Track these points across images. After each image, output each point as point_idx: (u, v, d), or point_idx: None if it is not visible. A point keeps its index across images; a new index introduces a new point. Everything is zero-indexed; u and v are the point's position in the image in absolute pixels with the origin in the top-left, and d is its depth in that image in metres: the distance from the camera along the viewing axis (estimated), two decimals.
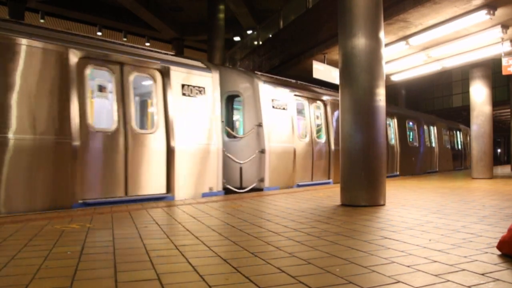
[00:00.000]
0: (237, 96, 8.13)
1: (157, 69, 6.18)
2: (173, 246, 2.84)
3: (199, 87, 6.68)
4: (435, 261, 2.38)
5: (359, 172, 5.13)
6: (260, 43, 16.84)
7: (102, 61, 5.55)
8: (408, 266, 2.28)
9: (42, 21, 19.36)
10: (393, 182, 9.37)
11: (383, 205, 5.13)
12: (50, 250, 2.72)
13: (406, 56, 10.22)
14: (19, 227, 3.60)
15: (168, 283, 2.01)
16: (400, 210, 4.64)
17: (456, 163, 18.44)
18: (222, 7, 17.98)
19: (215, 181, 6.81)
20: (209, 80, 6.86)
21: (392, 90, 21.63)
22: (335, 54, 10.03)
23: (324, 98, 9.55)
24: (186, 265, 2.35)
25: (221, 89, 7.13)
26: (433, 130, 15.89)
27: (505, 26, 7.87)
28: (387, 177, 9.80)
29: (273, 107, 7.96)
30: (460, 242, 2.89)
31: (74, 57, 5.15)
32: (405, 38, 8.84)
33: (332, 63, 10.40)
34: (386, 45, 8.72)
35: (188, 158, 6.37)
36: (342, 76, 5.42)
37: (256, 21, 19.55)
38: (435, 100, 24.83)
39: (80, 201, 5.11)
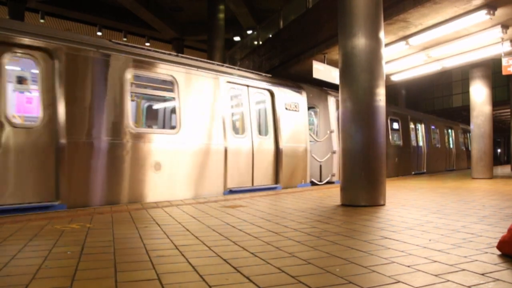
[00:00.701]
0: (313, 107, 10.10)
1: (268, 90, 8.19)
2: (173, 246, 2.84)
3: (295, 102, 8.70)
4: (435, 261, 2.38)
5: (359, 172, 5.13)
6: (260, 43, 16.83)
7: (239, 84, 7.65)
8: (408, 266, 2.28)
9: (42, 21, 19.36)
10: (393, 182, 9.37)
11: (383, 205, 5.13)
12: (50, 250, 2.72)
13: (406, 56, 10.21)
14: (19, 227, 3.60)
15: (168, 283, 2.01)
16: (400, 210, 4.64)
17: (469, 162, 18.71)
18: (222, 7, 17.98)
19: (305, 174, 8.78)
20: (301, 98, 8.98)
21: (392, 90, 21.64)
22: (335, 54, 10.02)
23: None
24: (186, 265, 2.35)
25: None
26: (452, 133, 17.94)
27: (505, 26, 7.86)
28: (415, 174, 12.67)
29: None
30: (460, 242, 2.89)
31: (224, 82, 7.27)
32: (405, 38, 8.84)
33: (332, 63, 10.40)
34: (386, 45, 8.71)
35: (290, 157, 8.33)
36: (342, 76, 5.42)
37: (256, 21, 19.55)
38: (435, 100, 24.83)
39: (228, 189, 6.98)
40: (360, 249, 2.74)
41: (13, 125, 4.73)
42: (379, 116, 5.21)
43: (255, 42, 18.05)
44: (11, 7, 16.91)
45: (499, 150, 42.29)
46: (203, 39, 20.79)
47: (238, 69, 7.94)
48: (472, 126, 11.71)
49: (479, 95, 11.50)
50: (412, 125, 13.93)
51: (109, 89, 5.55)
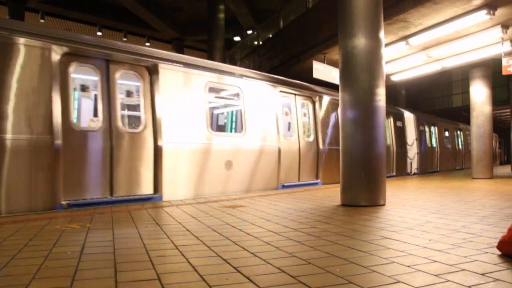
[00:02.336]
0: (401, 122, 13.13)
1: (310, 98, 9.08)
2: (173, 246, 2.84)
3: (401, 121, 12.77)
4: (435, 261, 2.38)
5: (359, 172, 5.13)
6: (260, 43, 16.84)
7: (289, 93, 8.51)
8: (408, 266, 2.28)
9: (42, 21, 19.36)
10: (394, 182, 9.37)
11: (383, 205, 5.13)
12: (50, 250, 2.72)
13: (406, 56, 10.22)
14: (19, 227, 3.60)
15: (168, 283, 2.01)
16: (400, 210, 4.64)
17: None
18: (222, 7, 17.98)
19: (408, 167, 12.91)
20: (407, 117, 13.17)
21: (392, 90, 21.62)
22: (335, 54, 10.03)
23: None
24: (186, 265, 2.35)
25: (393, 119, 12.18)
26: (461, 134, 19.37)
27: (505, 26, 7.87)
28: (430, 172, 15.01)
29: (419, 128, 13.99)
30: (460, 242, 2.89)
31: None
32: (405, 38, 8.84)
33: (332, 63, 10.40)
34: (386, 45, 8.72)
35: (401, 156, 12.44)
36: (342, 76, 5.42)
37: (256, 21, 19.55)
38: (435, 100, 24.83)
39: (281, 184, 7.86)
40: (360, 249, 2.74)
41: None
42: (379, 116, 5.21)
43: (255, 42, 18.05)
44: (11, 7, 16.91)
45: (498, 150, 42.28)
46: (203, 39, 20.79)
47: (287, 80, 8.78)
48: (472, 126, 11.72)
49: (479, 95, 11.50)
50: (426, 128, 15.32)
51: (193, 100, 6.51)
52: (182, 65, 6.35)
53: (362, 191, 5.13)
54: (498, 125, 26.91)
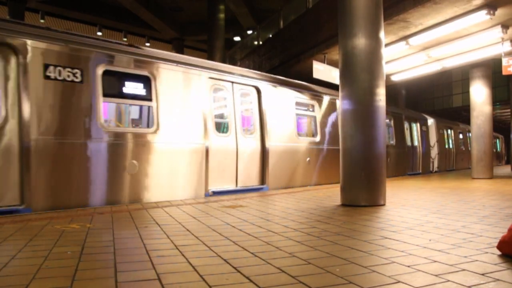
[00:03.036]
0: (426, 126, 15.35)
1: (416, 119, 13.22)
2: (173, 246, 2.84)
3: (426, 126, 15.02)
4: (435, 261, 2.38)
5: (359, 172, 5.13)
6: (260, 43, 16.83)
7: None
8: (408, 266, 2.28)
9: (42, 21, 19.36)
10: (393, 182, 9.37)
11: (383, 205, 5.13)
12: (50, 250, 2.72)
13: (406, 56, 10.22)
14: (19, 227, 3.60)
15: (168, 283, 2.01)
16: (400, 210, 4.64)
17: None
18: (222, 7, 17.98)
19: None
20: (430, 122, 15.42)
21: (392, 90, 21.59)
22: (335, 54, 10.02)
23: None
24: (186, 265, 2.35)
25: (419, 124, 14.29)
26: (468, 135, 21.32)
27: (505, 26, 7.87)
28: (447, 170, 16.60)
29: (439, 132, 15.83)
30: (460, 242, 2.89)
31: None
32: (405, 38, 8.84)
33: (332, 63, 10.40)
34: (386, 45, 8.71)
35: (426, 156, 14.59)
36: (342, 76, 5.42)
37: (256, 21, 19.55)
38: (435, 100, 24.82)
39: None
40: (360, 249, 2.74)
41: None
42: (379, 116, 5.20)
43: (255, 42, 18.05)
44: (11, 7, 16.91)
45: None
46: (203, 39, 20.80)
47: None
48: (472, 126, 11.72)
49: (479, 95, 11.50)
50: (444, 131, 17.16)
51: (285, 111, 8.18)
52: (277, 84, 8.15)
53: (362, 191, 5.13)
54: (498, 125, 26.93)
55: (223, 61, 16.82)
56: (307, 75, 10.07)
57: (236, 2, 18.86)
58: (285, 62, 12.93)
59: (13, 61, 4.67)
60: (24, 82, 4.65)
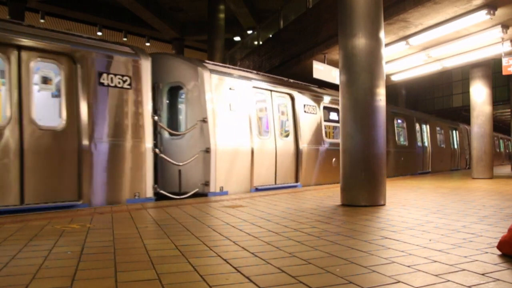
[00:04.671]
0: (455, 129, 18.23)
1: (426, 121, 14.55)
2: (173, 246, 2.84)
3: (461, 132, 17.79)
4: (435, 261, 2.38)
5: (359, 172, 5.12)
6: (260, 43, 16.83)
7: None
8: (408, 266, 2.28)
9: (42, 21, 19.36)
10: (393, 182, 9.37)
11: (383, 205, 5.12)
12: (50, 250, 2.72)
13: (406, 56, 10.21)
14: (19, 227, 3.60)
15: (168, 283, 2.01)
16: (400, 210, 4.64)
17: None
18: (222, 7, 17.97)
19: (465, 164, 17.18)
20: (461, 127, 17.74)
21: (392, 90, 21.62)
22: (335, 54, 10.02)
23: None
24: (186, 265, 2.35)
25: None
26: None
27: (505, 26, 7.86)
28: (453, 169, 17.37)
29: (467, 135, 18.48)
30: (460, 242, 2.89)
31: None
32: (405, 38, 8.83)
33: (332, 63, 10.40)
34: (386, 45, 8.71)
35: (463, 156, 17.72)
36: (342, 76, 5.42)
37: (256, 21, 19.54)
38: (435, 100, 24.83)
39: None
40: (360, 249, 2.74)
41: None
42: (379, 116, 5.20)
43: (255, 42, 18.04)
44: (11, 7, 16.91)
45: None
46: (203, 39, 20.79)
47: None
48: (472, 126, 11.71)
49: (479, 95, 11.49)
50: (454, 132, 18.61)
51: (314, 117, 9.13)
52: (307, 92, 9.10)
53: (362, 191, 5.12)
54: (498, 125, 26.97)
55: (223, 61, 16.82)
56: (307, 75, 10.07)
57: (236, 2, 18.85)
58: (285, 62, 12.93)
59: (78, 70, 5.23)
60: (83, 88, 5.23)
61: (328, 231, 3.38)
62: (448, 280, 2.01)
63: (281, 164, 8.05)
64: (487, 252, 2.59)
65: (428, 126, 15.12)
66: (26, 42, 4.83)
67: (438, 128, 16.11)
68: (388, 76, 11.14)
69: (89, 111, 5.23)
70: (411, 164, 13.43)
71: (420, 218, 4.02)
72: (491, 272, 2.14)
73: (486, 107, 11.51)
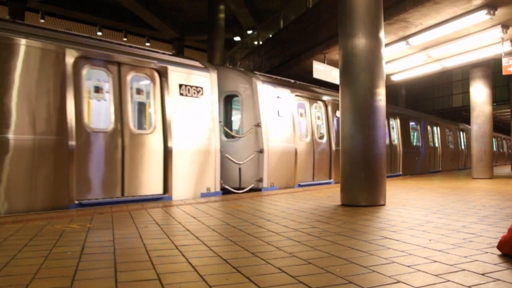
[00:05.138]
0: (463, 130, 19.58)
1: (437, 124, 15.51)
2: (173, 246, 2.84)
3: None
4: (435, 261, 2.38)
5: (359, 172, 5.13)
6: (260, 43, 16.83)
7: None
8: (408, 266, 2.28)
9: (42, 21, 19.36)
10: (393, 182, 9.37)
11: (383, 205, 5.12)
12: (50, 250, 2.72)
13: (406, 56, 10.21)
14: (19, 227, 3.60)
15: (168, 283, 2.01)
16: (400, 210, 4.64)
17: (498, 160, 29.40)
18: (222, 7, 17.96)
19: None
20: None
21: (392, 90, 21.60)
22: (335, 54, 10.02)
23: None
24: (186, 265, 2.35)
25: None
26: (498, 141, 26.69)
27: (505, 26, 7.86)
28: (460, 169, 18.13)
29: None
30: (460, 242, 2.89)
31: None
32: (405, 38, 8.84)
33: (332, 63, 10.40)
34: (386, 45, 8.71)
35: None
36: (342, 76, 5.42)
37: (256, 21, 19.54)
38: (435, 100, 24.82)
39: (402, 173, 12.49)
40: (360, 249, 2.74)
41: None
42: (379, 116, 5.20)
43: (255, 42, 18.04)
44: (11, 7, 16.90)
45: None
46: (203, 39, 20.78)
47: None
48: (472, 126, 11.71)
49: (479, 95, 11.49)
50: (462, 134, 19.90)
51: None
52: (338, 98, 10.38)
53: (362, 191, 5.12)
54: (498, 125, 26.98)
55: (223, 61, 16.82)
56: (307, 75, 10.07)
57: (236, 2, 18.85)
58: (285, 62, 12.93)
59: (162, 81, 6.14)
60: (165, 97, 6.10)
61: (328, 231, 3.38)
62: (448, 280, 2.01)
63: (318, 163, 9.11)
64: (487, 252, 2.59)
65: (438, 128, 16.23)
66: (124, 59, 5.69)
67: (447, 130, 17.27)
68: (388, 76, 11.15)
69: (172, 117, 6.08)
70: (424, 163, 14.41)
71: (420, 218, 4.02)
72: (491, 272, 2.15)
73: (486, 107, 11.51)
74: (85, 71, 5.32)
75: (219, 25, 17.83)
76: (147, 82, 6.09)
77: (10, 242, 3.00)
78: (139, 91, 5.95)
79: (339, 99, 5.46)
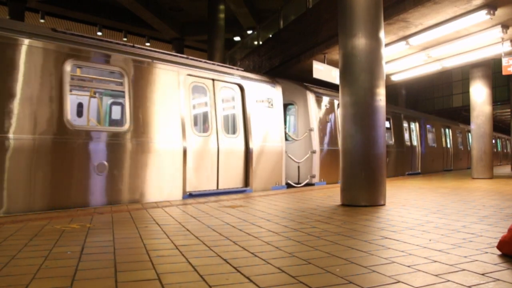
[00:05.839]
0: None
1: (449, 126, 16.82)
2: (173, 246, 2.84)
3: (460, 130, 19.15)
4: (435, 261, 2.38)
5: (359, 172, 5.13)
6: (260, 43, 16.82)
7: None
8: (408, 266, 2.28)
9: (42, 21, 19.36)
10: (393, 182, 9.37)
11: (383, 205, 5.12)
12: (50, 250, 2.72)
13: (406, 56, 10.21)
14: (19, 227, 3.60)
15: (168, 283, 2.01)
16: (400, 210, 4.64)
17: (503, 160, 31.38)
18: (222, 7, 17.96)
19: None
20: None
21: (392, 90, 21.61)
22: (335, 54, 10.02)
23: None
24: (186, 265, 2.35)
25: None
26: (508, 142, 29.08)
27: (505, 26, 7.86)
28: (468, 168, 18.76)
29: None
30: (460, 242, 2.89)
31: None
32: (405, 38, 8.83)
33: (332, 63, 10.39)
34: (386, 45, 8.71)
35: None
36: (342, 76, 5.42)
37: (256, 21, 19.54)
38: (435, 100, 24.81)
39: (419, 171, 13.63)
40: (360, 249, 2.74)
41: None
42: (379, 116, 5.20)
43: (255, 42, 18.03)
44: (11, 7, 16.90)
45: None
46: (203, 39, 20.79)
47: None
48: (472, 126, 11.71)
49: (479, 95, 11.49)
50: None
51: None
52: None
53: (362, 191, 5.13)
54: (498, 125, 26.97)
55: (223, 61, 16.82)
56: (307, 75, 10.07)
57: (236, 2, 18.85)
58: (285, 62, 12.92)
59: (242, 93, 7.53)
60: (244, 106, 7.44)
61: (328, 231, 3.38)
62: (448, 280, 2.01)
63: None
64: (487, 252, 2.59)
65: (450, 130, 17.70)
66: (216, 76, 7.04)
67: (457, 132, 18.67)
68: (388, 76, 11.15)
69: (252, 123, 7.40)
70: (438, 162, 15.92)
71: (420, 218, 4.02)
72: (491, 272, 2.15)
73: (486, 107, 11.50)
74: (191, 86, 6.65)
75: (219, 25, 17.83)
76: (232, 94, 7.44)
77: (10, 242, 3.00)
78: (227, 102, 7.31)
79: (339, 99, 5.46)
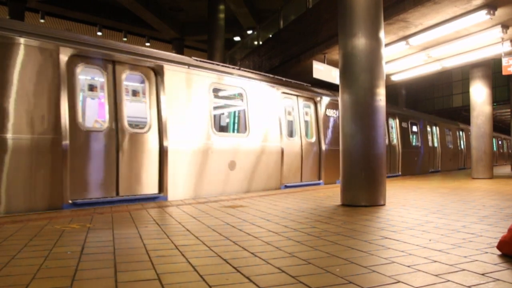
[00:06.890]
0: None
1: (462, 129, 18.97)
2: (173, 246, 2.84)
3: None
4: (435, 261, 2.38)
5: (359, 172, 5.13)
6: (260, 43, 16.82)
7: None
8: (408, 266, 2.28)
9: (42, 21, 19.36)
10: (393, 182, 9.37)
11: (383, 205, 5.13)
12: (50, 250, 2.72)
13: (406, 56, 10.21)
14: (19, 227, 3.60)
15: (168, 283, 2.01)
16: (400, 210, 4.64)
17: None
18: (222, 7, 17.97)
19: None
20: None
21: (392, 90, 21.62)
22: (335, 54, 10.02)
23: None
24: (186, 265, 2.35)
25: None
26: (500, 142, 30.40)
27: (505, 26, 7.86)
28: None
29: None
30: (460, 242, 2.89)
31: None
32: (405, 38, 8.84)
33: (332, 63, 10.40)
34: (386, 45, 8.71)
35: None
36: (342, 76, 5.42)
37: (256, 21, 19.54)
38: (435, 100, 24.83)
39: (437, 169, 15.64)
40: (360, 249, 2.74)
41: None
42: (379, 116, 5.20)
43: (255, 42, 18.03)
44: (11, 7, 16.90)
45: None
46: (203, 39, 20.79)
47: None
48: (472, 126, 11.71)
49: (479, 95, 11.49)
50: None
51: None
52: (400, 113, 13.17)
53: (362, 191, 5.13)
54: (498, 125, 26.98)
55: (223, 61, 16.82)
56: (307, 75, 10.07)
57: (236, 2, 18.85)
58: (285, 62, 12.92)
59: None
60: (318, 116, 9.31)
61: (328, 231, 3.38)
62: (448, 280, 2.01)
63: (388, 160, 10.96)
64: (487, 252, 2.59)
65: (464, 133, 19.23)
66: (299, 93, 8.90)
67: (470, 133, 19.48)
68: (388, 76, 11.15)
69: (321, 130, 9.20)
70: (454, 161, 17.73)
71: (420, 218, 4.02)
72: (491, 272, 2.15)
73: (486, 107, 11.51)
74: (284, 100, 8.53)
75: (219, 25, 17.83)
76: (308, 105, 9.21)
77: (10, 242, 3.00)
78: (288, 110, 8.75)
79: (339, 99, 5.46)
